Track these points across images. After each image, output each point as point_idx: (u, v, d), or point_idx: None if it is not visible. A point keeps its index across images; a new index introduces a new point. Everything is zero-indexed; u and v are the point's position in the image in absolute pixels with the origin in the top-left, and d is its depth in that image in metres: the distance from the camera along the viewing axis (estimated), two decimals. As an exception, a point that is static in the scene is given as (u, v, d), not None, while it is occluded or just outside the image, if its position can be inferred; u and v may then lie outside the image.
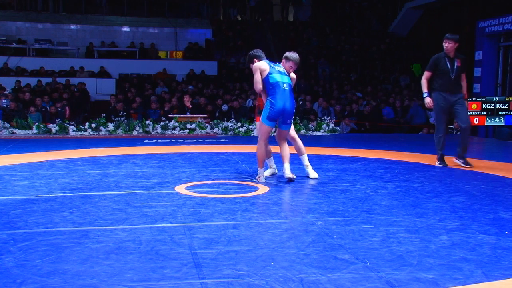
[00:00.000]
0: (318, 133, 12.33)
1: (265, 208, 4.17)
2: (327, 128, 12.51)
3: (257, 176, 5.52)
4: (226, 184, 5.33)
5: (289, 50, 5.74)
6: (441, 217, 3.89)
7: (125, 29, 19.89)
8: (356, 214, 3.98)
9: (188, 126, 11.99)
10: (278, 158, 5.66)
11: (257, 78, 5.31)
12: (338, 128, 12.78)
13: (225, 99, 14.16)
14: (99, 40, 18.81)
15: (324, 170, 6.26)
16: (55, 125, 11.58)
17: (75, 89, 15.07)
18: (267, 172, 5.92)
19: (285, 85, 5.27)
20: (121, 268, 2.74)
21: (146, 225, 3.60)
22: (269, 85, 5.25)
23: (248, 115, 13.06)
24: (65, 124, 11.66)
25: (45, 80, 15.52)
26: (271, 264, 2.81)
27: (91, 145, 9.20)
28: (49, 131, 11.49)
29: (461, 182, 5.52)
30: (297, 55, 5.56)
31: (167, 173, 5.99)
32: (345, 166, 6.69)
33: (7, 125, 11.54)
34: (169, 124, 12.02)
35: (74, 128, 11.62)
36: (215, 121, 12.37)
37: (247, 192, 4.85)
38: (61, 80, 15.74)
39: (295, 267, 2.77)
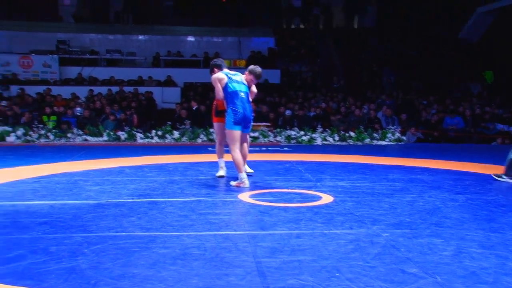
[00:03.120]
0: (383, 143, 12.06)
1: (329, 218, 4.13)
2: (392, 137, 12.21)
3: (238, 182, 5.67)
4: (290, 193, 5.32)
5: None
6: (518, 233, 3.68)
7: (190, 38, 20.43)
8: (424, 226, 3.85)
9: (251, 134, 12.09)
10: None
11: (218, 88, 5.84)
12: (404, 137, 12.45)
13: (288, 107, 14.18)
14: (166, 50, 19.40)
15: (389, 181, 6.11)
16: (124, 133, 12.04)
17: (143, 98, 15.62)
18: (220, 173, 6.34)
19: (242, 93, 5.78)
20: (187, 274, 2.80)
21: (211, 232, 3.66)
22: (228, 94, 5.77)
23: (312, 124, 12.99)
24: (133, 132, 12.09)
25: (115, 89, 16.23)
26: (336, 275, 2.77)
27: (158, 152, 9.50)
28: (118, 138, 11.96)
29: (539, 195, 5.20)
30: (260, 69, 6.03)
31: (230, 181, 6.06)
32: (412, 176, 6.49)
33: (80, 132, 12.15)
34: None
35: (142, 136, 12.02)
36: (278, 130, 12.40)
37: (311, 201, 4.81)
38: (129, 89, 16.40)
39: (361, 279, 2.71)
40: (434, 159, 8.58)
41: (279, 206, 4.59)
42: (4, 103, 13.83)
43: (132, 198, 4.94)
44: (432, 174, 6.68)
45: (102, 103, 14.44)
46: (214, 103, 6.43)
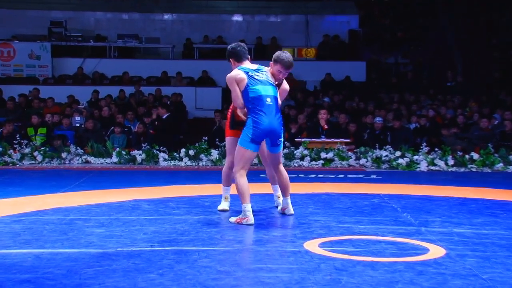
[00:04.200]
0: (525, 169, 11.76)
1: (440, 281, 4.04)
2: (541, 161, 11.89)
3: (240, 217, 5.95)
4: (379, 241, 5.27)
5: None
6: None
7: (237, 18, 20.69)
8: None
9: (323, 155, 12.07)
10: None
11: (236, 92, 5.97)
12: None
13: (378, 116, 14.07)
14: (201, 34, 19.69)
15: (533, 227, 5.93)
16: (141, 152, 12.22)
17: (168, 102, 15.80)
18: (223, 206, 6.66)
19: (268, 99, 5.87)
20: None
21: (264, 297, 3.66)
22: (249, 100, 5.89)
23: (413, 141, 12.81)
24: (154, 151, 12.25)
25: (128, 89, 16.55)
26: None
27: (188, 180, 9.63)
28: (133, 160, 12.17)
29: None
30: (289, 55, 6.02)
31: (291, 223, 6.05)
32: None
33: (80, 151, 12.32)
34: (295, 152, 12.19)
35: (166, 156, 12.19)
36: (362, 149, 12.32)
37: (412, 255, 4.74)
38: (150, 89, 16.65)
39: None
40: None
41: (363, 261, 4.54)
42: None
43: (151, 246, 5.01)
44: None
45: (111, 109, 14.76)
46: (230, 110, 6.49)
